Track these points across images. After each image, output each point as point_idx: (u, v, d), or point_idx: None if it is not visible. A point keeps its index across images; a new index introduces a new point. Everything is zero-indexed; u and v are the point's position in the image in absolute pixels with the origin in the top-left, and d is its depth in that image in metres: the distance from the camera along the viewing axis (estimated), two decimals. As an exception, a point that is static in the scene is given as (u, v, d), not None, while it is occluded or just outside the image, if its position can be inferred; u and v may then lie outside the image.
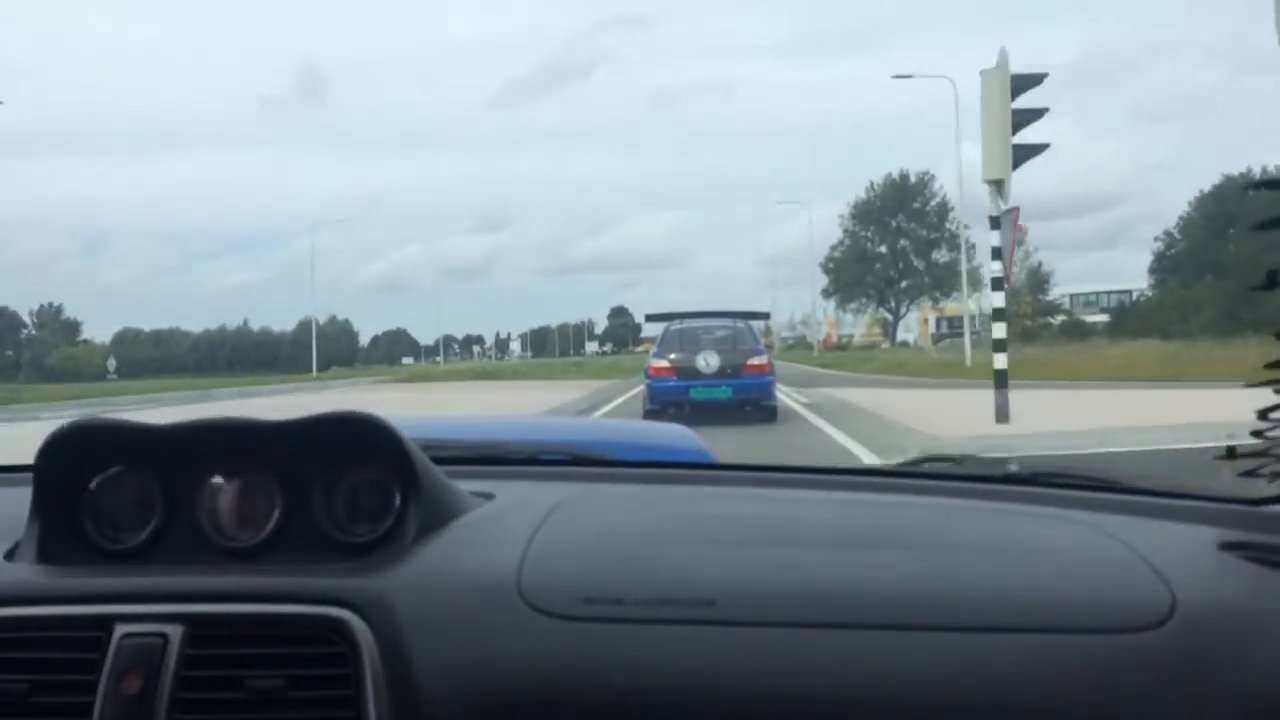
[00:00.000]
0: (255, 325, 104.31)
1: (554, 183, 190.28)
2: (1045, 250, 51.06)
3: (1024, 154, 10.40)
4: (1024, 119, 10.34)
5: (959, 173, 33.68)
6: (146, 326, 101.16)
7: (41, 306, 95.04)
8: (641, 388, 14.67)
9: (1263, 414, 1.02)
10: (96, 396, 32.91)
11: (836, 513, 1.14)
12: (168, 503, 0.99)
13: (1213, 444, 1.16)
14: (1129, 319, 44.23)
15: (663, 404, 12.94)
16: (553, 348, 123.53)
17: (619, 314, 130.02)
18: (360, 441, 0.98)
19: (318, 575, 0.91)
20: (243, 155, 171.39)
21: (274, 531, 0.98)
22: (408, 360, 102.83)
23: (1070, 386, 17.00)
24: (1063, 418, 11.16)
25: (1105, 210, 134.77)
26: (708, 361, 13.09)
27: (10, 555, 0.98)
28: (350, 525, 0.99)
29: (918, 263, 68.19)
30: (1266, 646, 0.87)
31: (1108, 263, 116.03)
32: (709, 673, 0.86)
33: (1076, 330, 46.00)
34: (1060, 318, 50.66)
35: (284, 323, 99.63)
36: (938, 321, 68.79)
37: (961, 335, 33.81)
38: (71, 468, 0.98)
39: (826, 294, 70.65)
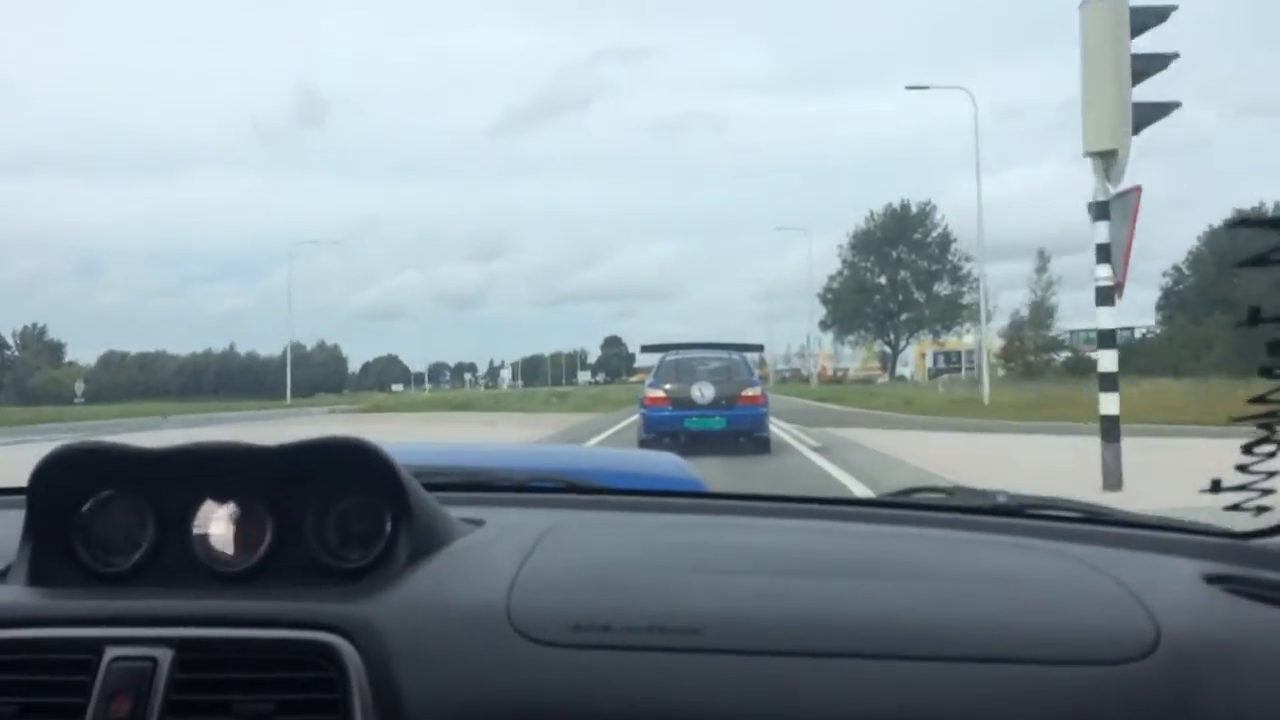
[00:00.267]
0: (245, 350, 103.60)
1: (550, 212, 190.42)
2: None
3: (1148, 115, 7.29)
4: (1148, 66, 7.24)
5: (978, 196, 31.46)
6: (134, 350, 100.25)
7: (25, 328, 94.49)
8: (619, 424, 14.91)
9: (1247, 448, 1.03)
10: (49, 421, 31.45)
11: (826, 542, 1.14)
12: (159, 526, 0.99)
13: None
14: (1138, 356, 42.79)
15: (658, 433, 12.98)
16: (545, 377, 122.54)
17: (612, 344, 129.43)
18: (352, 467, 0.99)
19: (308, 600, 0.92)
20: (240, 179, 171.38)
21: (265, 556, 0.98)
22: (398, 387, 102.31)
23: (1152, 433, 13.66)
24: (1185, 481, 8.68)
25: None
26: (702, 392, 13.15)
27: (2, 577, 0.98)
28: (341, 551, 1.00)
29: (918, 295, 67.19)
30: (1251, 679, 0.87)
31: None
32: (696, 700, 0.86)
33: (1080, 367, 44.52)
34: (1065, 354, 49.25)
35: (273, 348, 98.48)
36: (934, 356, 67.71)
37: (959, 370, 32.17)
38: (64, 490, 0.99)
39: (824, 326, 69.75)
